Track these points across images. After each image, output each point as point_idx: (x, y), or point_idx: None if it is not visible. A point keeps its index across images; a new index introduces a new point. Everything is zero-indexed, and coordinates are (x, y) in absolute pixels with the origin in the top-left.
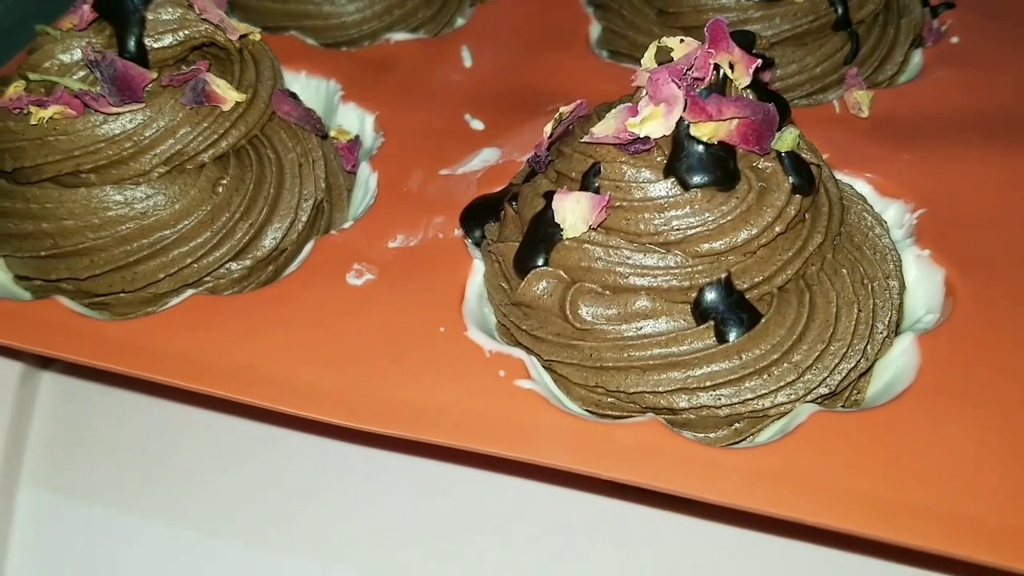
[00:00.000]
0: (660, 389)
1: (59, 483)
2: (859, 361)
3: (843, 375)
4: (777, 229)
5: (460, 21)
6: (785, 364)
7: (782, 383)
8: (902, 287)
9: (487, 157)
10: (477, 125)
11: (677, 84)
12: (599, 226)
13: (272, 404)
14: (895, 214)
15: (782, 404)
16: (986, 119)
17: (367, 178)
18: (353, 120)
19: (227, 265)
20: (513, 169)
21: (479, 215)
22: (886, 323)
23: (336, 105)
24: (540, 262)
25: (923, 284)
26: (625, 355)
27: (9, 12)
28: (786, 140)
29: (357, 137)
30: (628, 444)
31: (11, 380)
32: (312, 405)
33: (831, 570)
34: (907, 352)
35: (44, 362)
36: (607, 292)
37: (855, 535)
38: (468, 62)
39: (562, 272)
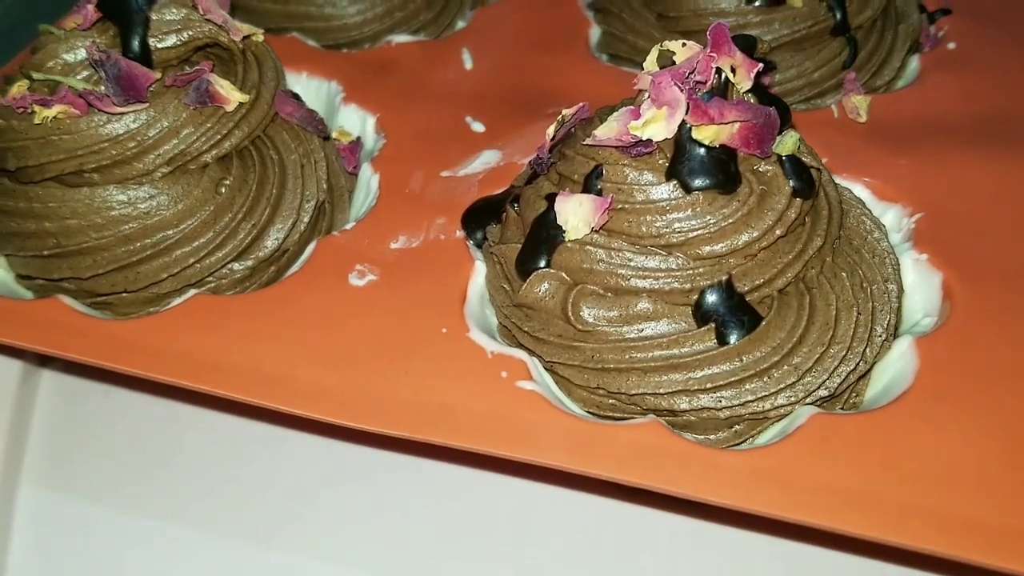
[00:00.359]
0: (661, 391)
1: (59, 482)
2: (858, 364)
3: (842, 378)
4: (778, 232)
5: (461, 24)
6: (785, 366)
7: (782, 385)
8: (900, 291)
9: (488, 159)
10: (478, 127)
11: (679, 87)
12: (601, 228)
13: (274, 404)
14: (893, 218)
15: (782, 406)
16: (983, 124)
17: (369, 179)
18: (354, 121)
19: (230, 265)
20: (514, 171)
21: (481, 216)
22: (885, 326)
23: (337, 106)
24: (542, 264)
25: (921, 288)
26: (626, 357)
27: (9, 12)
28: (787, 144)
29: (359, 139)
30: (629, 445)
31: (11, 379)
32: (314, 405)
33: (831, 571)
34: (905, 355)
35: (43, 360)
36: (609, 294)
37: (855, 536)
38: (469, 64)
39: (564, 274)
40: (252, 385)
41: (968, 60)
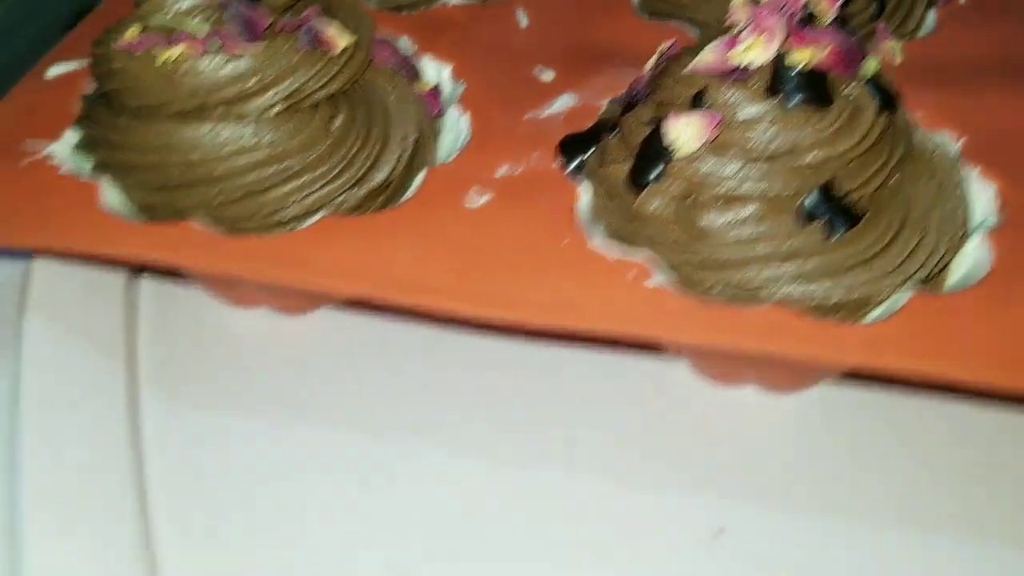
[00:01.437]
0: (778, 282)
1: (177, 390)
2: (945, 253)
3: (933, 264)
4: (869, 142)
5: None
6: (885, 256)
7: (883, 272)
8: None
9: (567, 102)
10: (548, 76)
11: (777, 16)
12: (709, 144)
13: (403, 300)
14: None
15: (885, 290)
16: (1008, 62)
17: (457, 120)
18: (430, 73)
19: (345, 195)
20: (593, 113)
21: (577, 146)
22: (961, 223)
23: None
24: (655, 179)
25: (977, 198)
26: (742, 255)
27: (9, 12)
28: (869, 67)
29: (437, 86)
30: (761, 322)
31: (117, 288)
32: (451, 302)
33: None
34: (980, 247)
35: (139, 270)
36: (720, 202)
37: (971, 387)
38: (524, 23)
39: (676, 187)
40: (385, 285)
41: (980, 10)
